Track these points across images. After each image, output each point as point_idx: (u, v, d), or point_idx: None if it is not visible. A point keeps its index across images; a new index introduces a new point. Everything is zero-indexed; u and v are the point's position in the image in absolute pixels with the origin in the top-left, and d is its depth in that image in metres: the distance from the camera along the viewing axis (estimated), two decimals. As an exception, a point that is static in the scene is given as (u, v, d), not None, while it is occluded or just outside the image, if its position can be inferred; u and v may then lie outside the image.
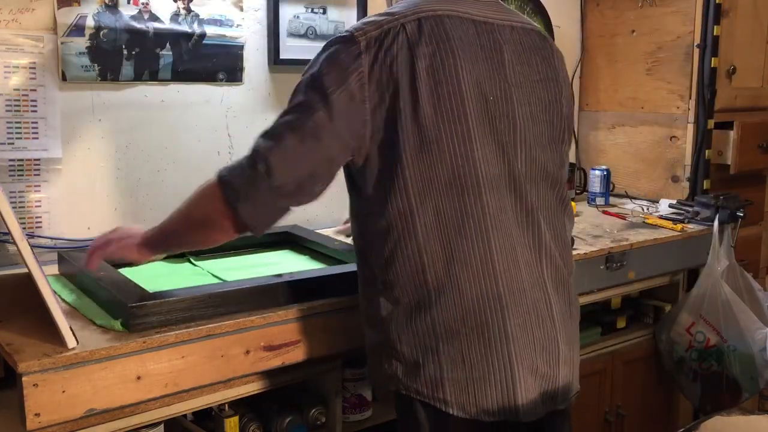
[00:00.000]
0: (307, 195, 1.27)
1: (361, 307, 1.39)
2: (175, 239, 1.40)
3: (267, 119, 2.15)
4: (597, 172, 2.71)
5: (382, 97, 1.22)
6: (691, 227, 2.36)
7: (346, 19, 2.23)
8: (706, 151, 2.55)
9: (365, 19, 1.29)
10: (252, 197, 1.23)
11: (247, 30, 2.08)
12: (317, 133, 1.22)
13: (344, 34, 1.26)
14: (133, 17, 1.87)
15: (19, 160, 1.77)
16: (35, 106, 1.77)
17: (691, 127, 2.58)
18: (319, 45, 2.16)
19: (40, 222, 1.81)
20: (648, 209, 2.59)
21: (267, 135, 1.26)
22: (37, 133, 1.78)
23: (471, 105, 1.25)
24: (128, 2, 1.86)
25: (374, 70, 1.21)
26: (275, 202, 1.25)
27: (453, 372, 1.25)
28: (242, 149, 2.09)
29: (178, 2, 1.94)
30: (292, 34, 2.14)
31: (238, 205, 1.23)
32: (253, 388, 1.51)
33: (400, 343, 1.28)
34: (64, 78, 1.80)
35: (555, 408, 1.33)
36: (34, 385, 1.21)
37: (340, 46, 1.24)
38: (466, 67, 1.25)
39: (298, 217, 2.24)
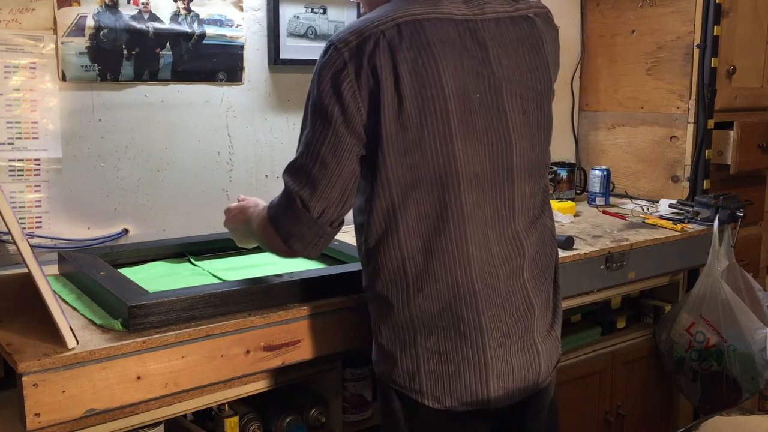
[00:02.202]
0: (347, 208, 1.33)
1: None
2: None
3: (267, 119, 2.15)
4: (597, 172, 2.71)
5: (371, 100, 1.25)
6: (691, 227, 2.36)
7: (347, 19, 2.23)
8: (706, 151, 2.55)
9: (346, 28, 1.31)
10: (299, 233, 1.31)
11: (247, 30, 2.08)
12: (336, 154, 1.27)
13: (328, 46, 1.29)
14: (133, 17, 1.87)
15: (19, 160, 1.77)
16: (35, 106, 1.77)
17: (691, 127, 2.58)
18: (319, 45, 2.19)
19: (40, 222, 1.81)
20: (648, 209, 2.59)
21: (293, 171, 1.32)
22: (37, 133, 1.78)
23: (454, 106, 1.27)
24: (128, 2, 1.86)
25: (361, 77, 1.24)
26: (322, 229, 1.32)
27: (429, 364, 1.31)
28: (242, 149, 2.11)
29: (178, 2, 1.94)
30: (292, 34, 2.14)
31: (290, 243, 1.33)
32: (253, 388, 1.51)
33: (381, 335, 1.36)
34: (64, 78, 1.80)
35: (536, 389, 1.39)
36: (34, 385, 1.21)
37: (327, 60, 1.27)
38: (448, 70, 1.27)
39: (298, 217, 2.24)
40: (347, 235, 2.13)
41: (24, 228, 1.77)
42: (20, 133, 1.76)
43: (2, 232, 1.66)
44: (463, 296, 1.30)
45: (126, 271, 1.66)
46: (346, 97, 1.25)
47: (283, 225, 1.32)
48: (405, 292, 1.31)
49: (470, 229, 1.30)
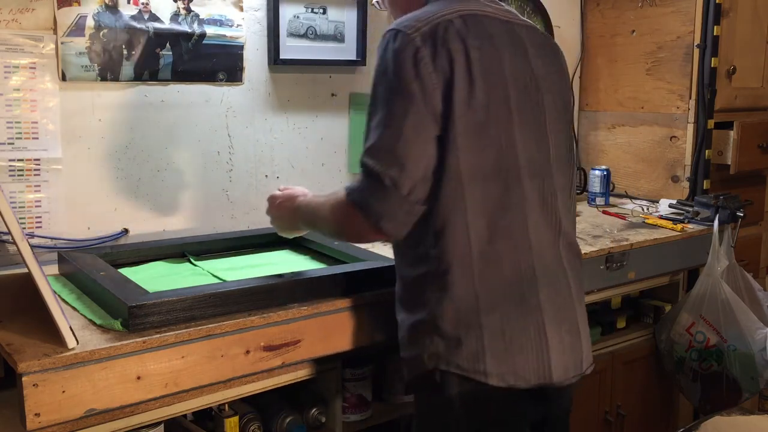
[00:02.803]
0: (428, 186, 1.33)
1: (399, 289, 1.45)
2: (321, 233, 1.60)
3: (267, 119, 2.15)
4: (597, 172, 2.71)
5: (444, 83, 1.30)
6: (691, 227, 2.36)
7: (346, 18, 2.23)
8: (706, 151, 2.55)
9: (406, 18, 1.35)
10: (390, 213, 1.32)
11: (247, 30, 2.08)
12: (418, 132, 1.30)
13: (395, 33, 1.33)
14: (133, 17, 1.87)
15: (19, 160, 1.77)
16: (35, 106, 1.77)
17: (691, 127, 2.58)
18: (319, 45, 2.20)
19: (40, 222, 1.81)
20: (648, 209, 2.59)
21: (375, 152, 1.32)
22: (37, 133, 1.78)
23: (512, 95, 1.36)
24: (128, 2, 1.86)
25: (436, 59, 1.29)
26: (412, 207, 1.33)
27: (493, 344, 1.33)
28: (242, 149, 2.11)
29: (178, 2, 1.94)
30: (292, 34, 2.14)
31: (381, 224, 1.32)
32: (253, 388, 1.51)
33: (443, 319, 1.34)
34: (64, 78, 1.80)
35: (580, 375, 1.44)
36: (34, 385, 1.21)
37: (400, 45, 1.31)
38: (507, 60, 1.37)
39: (298, 217, 2.24)
40: (347, 235, 2.13)
41: (24, 228, 1.77)
42: (20, 133, 1.76)
43: (2, 232, 1.66)
44: (524, 275, 1.36)
45: (126, 271, 1.66)
46: (424, 77, 1.29)
47: (373, 206, 1.32)
48: (470, 272, 1.33)
49: (529, 212, 1.36)
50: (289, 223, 1.64)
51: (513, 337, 1.34)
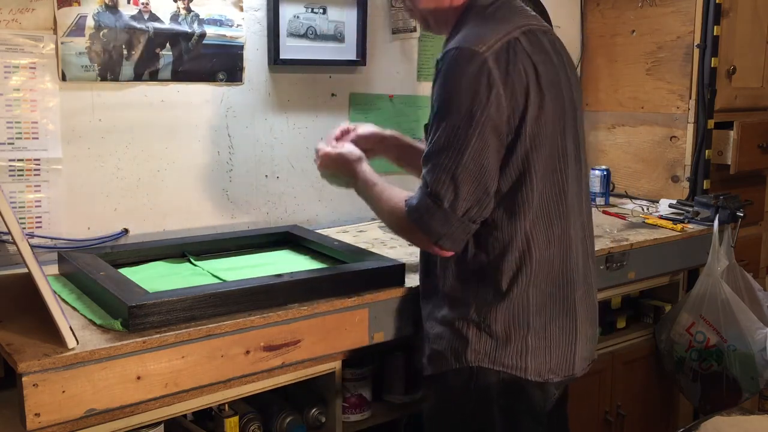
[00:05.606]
0: (489, 206, 1.39)
1: (444, 284, 1.48)
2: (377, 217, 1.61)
3: (267, 119, 2.15)
4: (597, 172, 2.70)
5: (516, 102, 1.35)
6: (691, 227, 2.36)
7: (346, 18, 2.23)
8: (706, 151, 2.55)
9: (474, 35, 1.37)
10: (449, 234, 1.39)
11: (247, 30, 2.08)
12: (478, 157, 1.35)
13: (466, 50, 1.34)
14: (133, 17, 1.87)
15: (19, 160, 1.77)
16: (35, 106, 1.77)
17: (691, 127, 2.58)
18: (319, 45, 2.20)
19: (40, 222, 1.81)
20: (648, 209, 2.59)
21: (436, 171, 1.37)
22: (37, 133, 1.78)
23: (566, 104, 1.44)
24: (128, 2, 1.86)
25: (507, 81, 1.34)
26: (467, 226, 1.39)
27: (536, 342, 1.43)
28: (242, 149, 2.12)
29: (178, 2, 1.94)
30: (292, 34, 2.14)
31: (441, 243, 1.40)
32: (253, 388, 1.51)
33: (496, 320, 1.42)
34: (64, 78, 1.80)
35: (590, 365, 1.56)
36: (34, 385, 1.21)
37: (473, 65, 1.33)
38: (560, 74, 1.44)
39: (298, 217, 2.24)
40: (348, 235, 2.13)
41: (24, 228, 1.77)
42: (20, 133, 1.76)
43: (2, 232, 1.66)
44: (567, 277, 1.46)
45: (126, 271, 1.66)
46: (492, 100, 1.33)
47: (433, 228, 1.39)
48: (526, 277, 1.41)
49: (572, 217, 1.46)
50: (345, 184, 1.66)
51: (552, 335, 1.44)
